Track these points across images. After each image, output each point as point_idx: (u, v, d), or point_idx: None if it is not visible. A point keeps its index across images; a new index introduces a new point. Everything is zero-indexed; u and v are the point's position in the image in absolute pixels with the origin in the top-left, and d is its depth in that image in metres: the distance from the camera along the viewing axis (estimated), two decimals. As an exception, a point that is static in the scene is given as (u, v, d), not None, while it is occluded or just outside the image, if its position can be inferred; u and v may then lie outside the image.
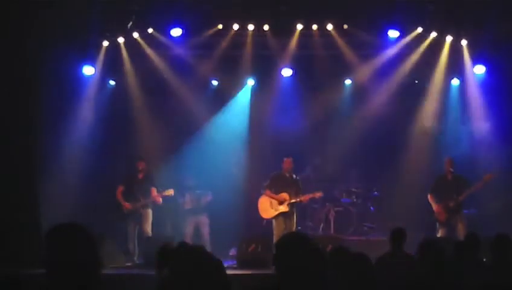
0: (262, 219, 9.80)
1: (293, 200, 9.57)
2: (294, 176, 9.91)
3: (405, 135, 11.60)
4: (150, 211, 9.85)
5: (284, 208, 9.54)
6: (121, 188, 9.94)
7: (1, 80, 9.12)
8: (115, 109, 11.31)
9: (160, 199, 9.80)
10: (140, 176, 10.03)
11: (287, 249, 2.93)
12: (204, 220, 10.32)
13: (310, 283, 2.82)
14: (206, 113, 11.97)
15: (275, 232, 9.52)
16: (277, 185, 9.68)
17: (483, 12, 9.49)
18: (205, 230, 10.27)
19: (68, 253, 2.80)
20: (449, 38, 10.48)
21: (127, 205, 9.80)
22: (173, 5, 9.57)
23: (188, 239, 10.12)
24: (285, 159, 9.75)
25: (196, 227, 10.32)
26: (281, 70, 11.23)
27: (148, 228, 9.79)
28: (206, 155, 11.57)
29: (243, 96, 12.04)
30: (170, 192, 9.85)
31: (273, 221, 9.60)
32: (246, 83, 11.89)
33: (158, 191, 9.85)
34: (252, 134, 11.90)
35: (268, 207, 9.64)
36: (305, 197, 9.70)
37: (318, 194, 9.90)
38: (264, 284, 3.23)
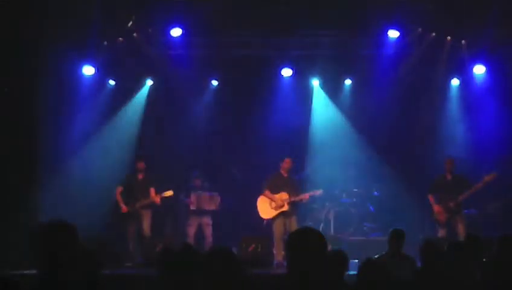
0: (263, 219, 9.78)
1: (293, 199, 9.56)
2: (292, 176, 9.90)
3: (405, 135, 11.60)
4: (149, 212, 9.84)
5: (284, 207, 9.52)
6: (120, 189, 9.93)
7: (1, 80, 9.12)
8: (115, 109, 11.34)
9: (159, 200, 9.79)
10: (140, 176, 10.01)
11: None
12: (207, 221, 10.26)
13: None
14: (206, 112, 11.99)
15: (275, 232, 9.49)
16: (275, 185, 9.65)
17: (483, 12, 9.48)
18: (208, 231, 10.20)
19: (52, 251, 2.81)
20: (449, 38, 10.49)
21: (124, 208, 9.79)
22: (173, 5, 9.57)
23: (191, 240, 10.11)
24: (285, 159, 9.74)
25: (199, 228, 10.28)
26: (281, 70, 11.24)
27: (148, 228, 9.79)
28: (207, 155, 11.59)
29: (243, 96, 12.04)
30: (170, 193, 9.84)
31: (273, 221, 9.59)
32: (246, 83, 11.90)
33: (157, 192, 9.84)
34: (252, 134, 11.90)
35: (268, 207, 9.61)
36: (305, 196, 9.70)
37: (318, 192, 9.91)
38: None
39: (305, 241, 2.92)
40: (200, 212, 10.23)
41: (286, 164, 9.71)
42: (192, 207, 10.26)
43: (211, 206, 10.26)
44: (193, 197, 10.27)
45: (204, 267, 3.06)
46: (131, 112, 11.59)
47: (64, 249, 2.87)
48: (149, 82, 11.63)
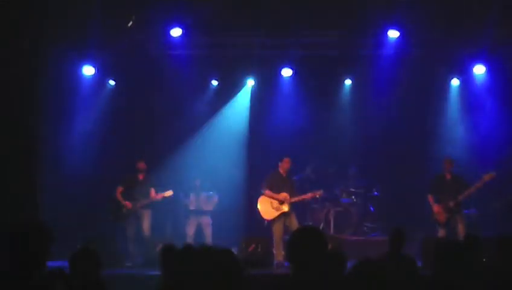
0: (264, 220, 9.75)
1: (294, 199, 9.56)
2: (290, 176, 9.90)
3: (405, 134, 11.60)
4: (149, 212, 9.85)
5: (285, 208, 9.51)
6: (120, 189, 9.93)
7: (1, 80, 9.11)
8: (114, 109, 11.34)
9: (160, 197, 9.81)
10: (140, 176, 10.02)
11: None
12: (207, 221, 10.30)
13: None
14: (206, 113, 12.00)
15: (275, 233, 9.45)
16: (275, 185, 9.58)
17: (483, 12, 9.48)
18: (208, 231, 10.25)
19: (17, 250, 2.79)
20: (449, 39, 10.49)
21: (128, 203, 9.79)
22: (173, 5, 9.57)
23: (190, 240, 10.13)
24: (284, 158, 9.70)
25: (198, 228, 10.31)
26: (281, 70, 11.24)
27: (147, 229, 9.80)
28: (207, 155, 11.60)
29: (243, 96, 12.05)
30: (169, 193, 9.85)
31: (274, 222, 9.55)
32: (246, 83, 11.91)
33: (157, 192, 9.86)
34: (251, 134, 11.90)
35: (270, 208, 9.54)
36: (306, 196, 9.72)
37: (319, 193, 9.92)
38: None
39: (307, 240, 2.92)
40: (199, 212, 10.27)
41: (286, 163, 9.65)
42: (191, 207, 10.31)
43: (208, 207, 10.31)
44: (192, 198, 10.32)
45: (204, 267, 3.06)
46: (131, 111, 11.59)
47: (32, 251, 2.82)
48: (150, 82, 11.62)
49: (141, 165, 10.00)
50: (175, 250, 3.95)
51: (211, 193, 10.42)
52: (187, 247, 3.87)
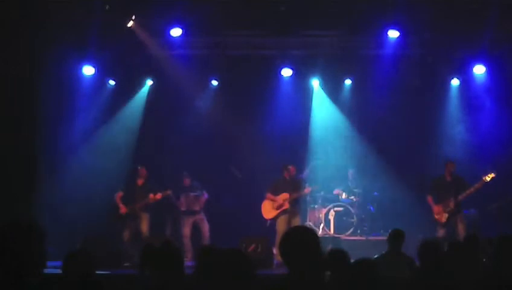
0: (266, 220, 9.87)
1: (293, 196, 9.70)
2: (295, 176, 10.00)
3: (405, 134, 11.59)
4: (147, 215, 9.91)
5: (285, 206, 9.64)
6: (120, 194, 9.98)
7: (1, 80, 9.12)
8: (115, 109, 11.33)
9: (158, 197, 9.84)
10: (139, 182, 10.05)
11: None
12: (200, 217, 10.36)
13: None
14: (206, 112, 11.98)
15: (278, 230, 9.60)
16: (278, 188, 9.84)
17: (483, 12, 9.48)
18: (204, 227, 10.31)
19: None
20: (449, 39, 10.49)
21: (123, 208, 9.82)
22: (173, 5, 9.57)
23: (187, 240, 10.17)
24: (289, 167, 9.88)
25: (194, 226, 10.34)
26: (281, 70, 11.23)
27: (146, 229, 9.82)
28: (206, 155, 11.59)
29: (243, 96, 12.02)
30: (168, 192, 9.93)
31: (276, 220, 9.67)
32: (245, 83, 11.89)
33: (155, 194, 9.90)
34: (251, 134, 11.89)
35: (271, 208, 9.82)
36: (303, 191, 9.89)
37: (315, 187, 10.39)
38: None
39: (295, 240, 2.91)
40: (190, 212, 10.32)
41: (292, 171, 9.90)
42: (182, 208, 10.36)
43: (196, 206, 10.36)
44: (182, 199, 10.37)
45: (216, 268, 3.04)
46: (131, 112, 11.59)
47: (26, 251, 2.75)
48: (149, 82, 11.62)
49: (142, 171, 10.07)
50: (155, 248, 3.96)
51: (199, 192, 10.43)
52: (166, 244, 3.87)
